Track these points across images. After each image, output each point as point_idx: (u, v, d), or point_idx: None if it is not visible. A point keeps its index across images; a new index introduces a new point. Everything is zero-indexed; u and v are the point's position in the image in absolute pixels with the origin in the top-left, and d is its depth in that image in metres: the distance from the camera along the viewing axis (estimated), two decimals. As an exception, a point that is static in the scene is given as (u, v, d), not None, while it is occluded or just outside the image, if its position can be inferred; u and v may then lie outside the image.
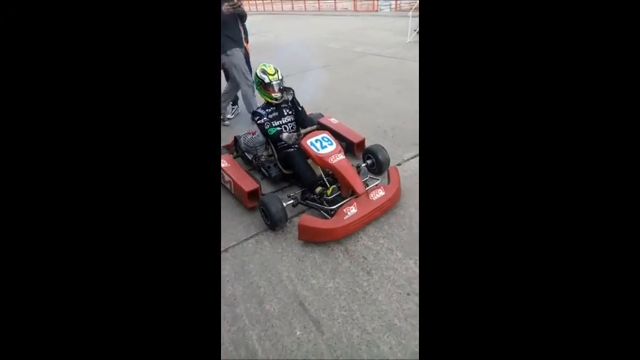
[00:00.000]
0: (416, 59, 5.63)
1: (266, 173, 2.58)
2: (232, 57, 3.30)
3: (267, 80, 2.47)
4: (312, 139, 2.23)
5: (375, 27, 8.77)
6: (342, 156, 2.15)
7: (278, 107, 2.56)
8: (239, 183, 2.26)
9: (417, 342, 1.39)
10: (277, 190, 2.47)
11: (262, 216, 2.12)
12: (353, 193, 2.10)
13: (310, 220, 1.91)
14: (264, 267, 1.84)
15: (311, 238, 1.94)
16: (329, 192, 2.14)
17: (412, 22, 6.87)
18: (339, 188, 2.16)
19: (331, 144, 2.21)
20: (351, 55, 5.17)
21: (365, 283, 1.68)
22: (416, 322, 1.47)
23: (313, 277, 1.75)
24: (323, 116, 3.12)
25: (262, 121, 2.49)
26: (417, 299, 1.57)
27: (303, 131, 2.40)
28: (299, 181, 2.38)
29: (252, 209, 2.26)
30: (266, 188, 2.44)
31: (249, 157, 2.73)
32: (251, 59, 3.75)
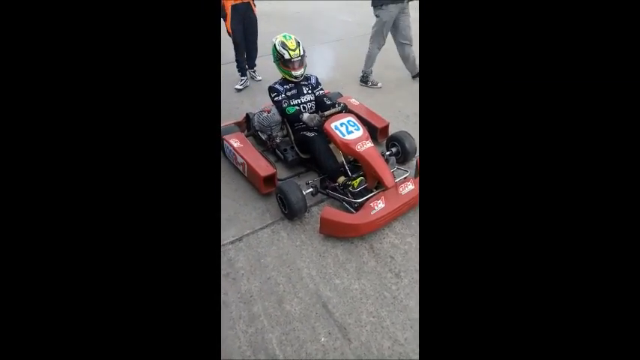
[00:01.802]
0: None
1: (281, 156, 2.34)
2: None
3: (287, 56, 2.19)
4: (337, 123, 1.99)
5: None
6: (370, 143, 1.93)
7: (297, 85, 2.31)
8: (254, 166, 2.03)
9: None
10: (293, 176, 2.24)
11: (279, 204, 1.93)
12: (379, 186, 1.90)
13: (334, 213, 1.73)
14: (282, 261, 1.68)
15: (333, 233, 1.77)
16: (356, 184, 1.92)
17: None
18: (365, 179, 1.95)
19: (358, 129, 1.98)
20: (367, 30, 4.82)
21: (394, 287, 1.55)
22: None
23: (336, 277, 1.60)
24: (342, 96, 2.84)
25: (279, 98, 2.25)
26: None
27: (326, 113, 2.13)
28: (319, 167, 2.14)
29: (266, 195, 2.06)
30: (280, 173, 2.20)
31: (263, 137, 2.44)
32: (260, 29, 3.41)
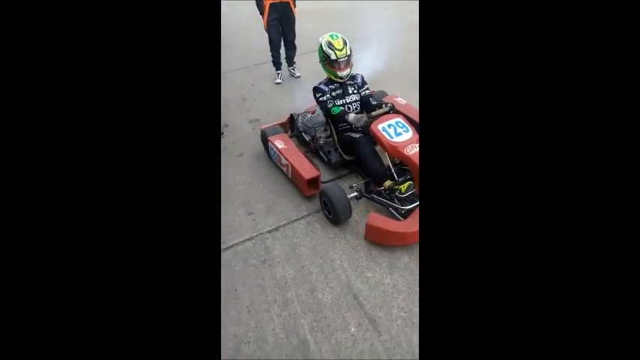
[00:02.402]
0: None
1: (325, 158, 2.28)
2: None
3: (333, 56, 2.13)
4: (385, 124, 1.91)
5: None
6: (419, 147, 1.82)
7: (342, 85, 2.26)
8: (297, 168, 2.00)
9: None
10: (336, 178, 2.19)
11: (322, 208, 1.91)
12: None
13: (381, 220, 1.66)
14: (316, 252, 1.74)
15: (379, 240, 1.71)
16: (404, 188, 1.79)
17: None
18: (413, 184, 1.83)
19: (407, 131, 1.89)
20: (407, 25, 4.68)
21: (427, 285, 1.53)
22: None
23: (368, 270, 1.62)
24: (387, 95, 2.74)
25: (324, 98, 2.22)
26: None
27: (374, 114, 2.04)
28: (364, 170, 2.07)
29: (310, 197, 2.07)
30: (323, 175, 2.16)
31: (307, 138, 2.38)
32: (299, 27, 3.48)
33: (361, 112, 2.25)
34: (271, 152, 2.31)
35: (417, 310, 1.43)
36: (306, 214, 1.98)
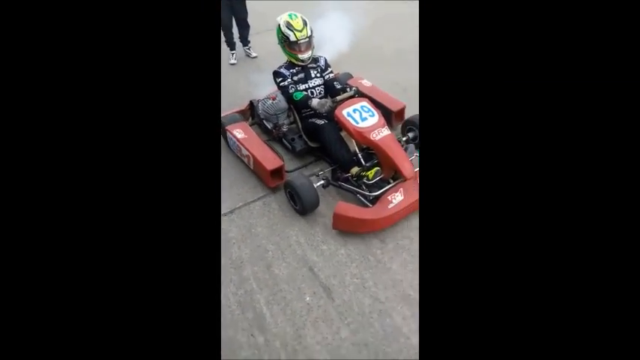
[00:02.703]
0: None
1: (289, 146, 2.20)
2: None
3: (292, 38, 2.00)
4: (349, 109, 1.83)
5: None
6: (386, 131, 1.79)
7: (304, 68, 2.14)
8: (259, 159, 1.91)
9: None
10: (302, 167, 2.13)
11: (288, 199, 1.84)
12: (397, 176, 1.78)
13: (349, 208, 1.61)
14: (273, 230, 1.76)
15: (348, 229, 1.67)
16: (371, 175, 1.76)
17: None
18: (381, 170, 1.80)
19: (372, 115, 1.83)
20: (368, 2, 4.64)
21: (378, 252, 1.60)
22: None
23: (324, 243, 1.67)
24: (352, 77, 2.66)
25: (286, 83, 2.09)
26: (433, 269, 1.49)
27: (338, 99, 1.96)
28: (330, 157, 2.00)
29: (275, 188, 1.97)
30: (288, 163, 2.10)
31: (269, 125, 2.29)
32: (252, 4, 3.35)
33: (325, 96, 2.18)
34: (230, 143, 2.19)
35: (368, 275, 1.50)
36: (262, 195, 1.98)
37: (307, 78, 2.16)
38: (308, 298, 1.44)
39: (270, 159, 1.92)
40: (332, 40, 3.46)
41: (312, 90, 2.17)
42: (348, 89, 2.08)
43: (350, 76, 2.66)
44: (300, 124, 2.18)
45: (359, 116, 1.82)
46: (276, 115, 2.21)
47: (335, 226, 1.67)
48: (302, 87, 2.14)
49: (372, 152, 1.89)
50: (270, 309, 1.41)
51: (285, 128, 2.24)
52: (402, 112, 2.34)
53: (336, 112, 1.86)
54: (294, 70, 2.14)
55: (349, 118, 1.81)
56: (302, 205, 1.73)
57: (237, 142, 2.07)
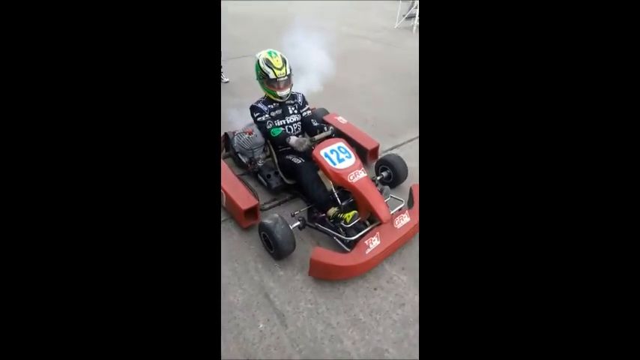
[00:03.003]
0: (403, 46, 5.52)
1: (264, 182, 2.16)
2: None
3: (272, 75, 2.03)
4: (327, 149, 1.84)
5: (364, 8, 8.49)
6: (363, 173, 1.80)
7: (282, 104, 2.16)
8: (233, 197, 1.84)
9: (379, 337, 1.40)
10: (277, 204, 2.09)
11: (263, 242, 1.77)
12: (373, 218, 1.78)
13: (326, 255, 1.58)
14: (231, 256, 1.77)
15: (325, 276, 1.63)
16: (348, 218, 1.72)
17: (401, 7, 6.70)
18: (358, 213, 1.76)
19: (349, 156, 1.85)
20: (337, 36, 4.98)
21: (333, 277, 1.66)
22: (380, 317, 1.48)
23: (281, 269, 1.71)
24: (328, 113, 2.72)
25: (263, 118, 2.09)
26: (383, 294, 1.58)
27: (316, 138, 1.97)
28: (307, 197, 1.98)
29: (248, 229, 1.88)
30: (262, 198, 2.07)
31: (244, 159, 2.25)
32: (227, 33, 3.49)
33: (302, 133, 2.22)
34: None
35: (322, 300, 1.55)
36: (223, 219, 1.99)
37: (285, 114, 2.17)
38: (261, 326, 1.45)
39: (244, 197, 1.85)
40: (301, 72, 3.64)
41: (290, 127, 2.19)
42: (325, 128, 2.09)
43: (326, 112, 2.73)
44: (276, 159, 2.16)
45: (336, 157, 1.82)
46: (252, 149, 2.20)
47: (311, 273, 1.62)
48: (279, 123, 2.14)
49: (347, 191, 1.88)
50: (224, 337, 1.40)
51: (260, 163, 2.19)
52: (375, 150, 2.41)
53: (314, 152, 1.86)
54: (272, 106, 2.15)
55: (327, 159, 1.81)
56: (278, 251, 1.66)
57: None
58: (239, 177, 2.06)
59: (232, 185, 1.93)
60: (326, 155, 1.83)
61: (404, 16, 6.60)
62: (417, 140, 2.88)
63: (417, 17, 6.34)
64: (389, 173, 2.19)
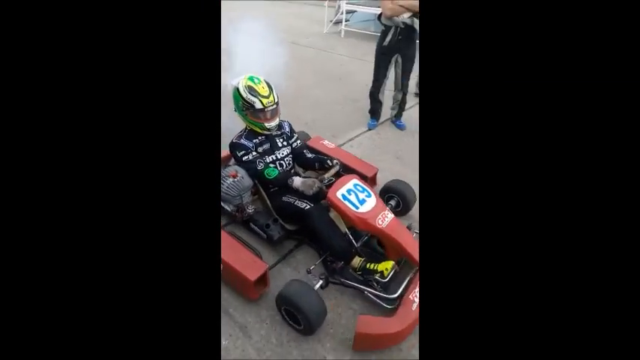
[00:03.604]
0: (334, 51, 5.77)
1: (262, 234, 1.71)
2: None
3: (258, 105, 1.70)
4: (343, 191, 1.55)
5: (293, 14, 8.65)
6: (390, 214, 1.55)
7: (269, 137, 1.83)
8: (236, 267, 1.42)
9: (343, 330, 1.47)
10: (281, 259, 1.71)
11: (285, 318, 1.42)
12: (401, 261, 1.55)
13: (374, 324, 1.30)
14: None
15: (372, 347, 1.36)
16: (386, 272, 1.44)
17: (328, 13, 6.98)
18: (397, 262, 1.50)
19: (369, 195, 1.58)
20: (271, 42, 4.99)
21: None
22: (341, 309, 1.55)
23: (238, 281, 1.67)
24: (309, 137, 2.36)
25: (250, 157, 1.75)
26: (342, 288, 1.64)
27: (326, 177, 1.69)
28: (320, 245, 1.64)
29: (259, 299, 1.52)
30: (264, 255, 1.67)
31: (229, 208, 1.83)
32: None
33: (293, 167, 1.90)
34: None
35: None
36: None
37: (274, 148, 1.84)
38: (225, 342, 1.41)
39: (248, 262, 1.45)
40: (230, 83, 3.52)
41: (281, 162, 1.86)
42: (329, 162, 1.80)
43: (307, 137, 2.38)
44: (269, 202, 1.79)
45: (355, 198, 1.54)
46: (240, 195, 1.78)
47: (357, 347, 1.33)
48: (269, 159, 1.81)
49: (358, 231, 1.62)
50: (184, 362, 1.33)
51: (250, 210, 1.78)
52: (374, 176, 2.15)
53: (330, 195, 1.55)
54: (258, 140, 1.80)
55: (347, 203, 1.52)
56: (310, 327, 1.33)
57: None
58: (230, 233, 1.67)
59: (231, 249, 1.47)
60: (344, 198, 1.53)
61: (331, 21, 6.89)
62: (357, 138, 3.07)
63: (344, 23, 6.69)
64: (397, 201, 1.94)
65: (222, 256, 1.43)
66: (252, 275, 1.41)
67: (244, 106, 1.77)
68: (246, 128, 1.85)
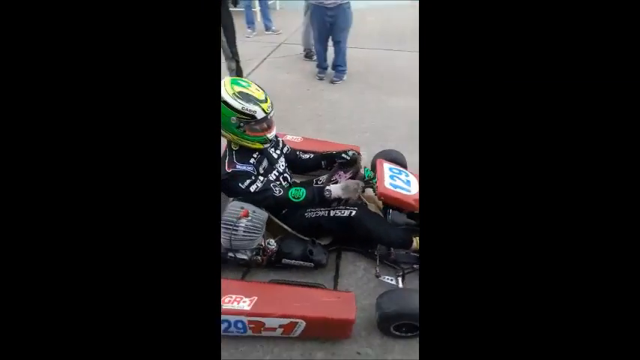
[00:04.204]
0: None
1: (309, 264, 1.43)
2: None
3: (261, 114, 1.32)
4: (388, 179, 1.46)
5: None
6: None
7: (263, 152, 1.46)
8: (323, 314, 1.16)
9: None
10: (336, 278, 1.46)
11: (395, 334, 1.22)
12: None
13: None
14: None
15: None
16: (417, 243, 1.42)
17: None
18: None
19: (406, 174, 1.54)
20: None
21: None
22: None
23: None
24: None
25: (260, 185, 1.36)
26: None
27: (359, 172, 1.56)
28: (382, 244, 1.49)
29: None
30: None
31: (246, 255, 1.38)
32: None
33: (284, 172, 1.58)
34: (228, 327, 1.18)
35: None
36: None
37: (272, 163, 1.50)
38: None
39: (334, 303, 1.19)
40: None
41: (284, 175, 1.54)
42: (344, 154, 1.60)
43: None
44: (286, 227, 1.46)
45: (401, 182, 1.46)
46: (259, 234, 1.35)
47: None
48: (272, 178, 1.47)
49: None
50: None
51: (273, 245, 1.40)
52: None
53: (382, 190, 1.42)
54: (254, 160, 1.41)
55: (399, 190, 1.42)
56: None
57: (249, 319, 1.15)
58: (275, 281, 1.37)
59: (290, 299, 1.21)
60: (394, 187, 1.43)
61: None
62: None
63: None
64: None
65: (294, 312, 1.14)
66: (350, 313, 1.16)
67: (241, 121, 1.33)
68: (231, 150, 1.41)
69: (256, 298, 1.16)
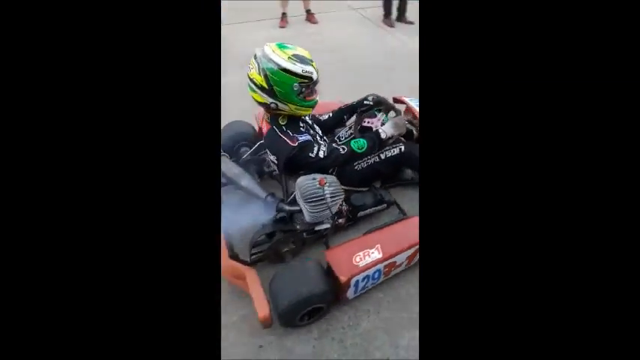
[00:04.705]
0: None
1: (382, 206, 1.51)
2: None
3: (315, 75, 1.25)
4: (409, 101, 1.70)
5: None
6: None
7: (303, 118, 1.43)
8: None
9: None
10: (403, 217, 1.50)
11: None
12: None
13: None
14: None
15: None
16: None
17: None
18: None
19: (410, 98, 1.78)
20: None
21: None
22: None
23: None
24: (256, 130, 1.94)
25: (325, 149, 1.33)
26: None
27: (382, 108, 1.60)
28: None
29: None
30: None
31: (328, 224, 1.36)
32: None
33: (326, 133, 1.61)
34: (367, 282, 1.24)
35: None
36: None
37: (314, 129, 1.48)
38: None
39: (416, 224, 1.29)
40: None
41: (323, 138, 1.54)
42: (365, 101, 1.58)
43: (252, 129, 1.97)
44: (347, 181, 1.46)
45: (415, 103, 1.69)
46: (340, 196, 1.30)
47: None
48: (321, 141, 1.45)
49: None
50: None
51: (344, 205, 1.40)
52: None
53: (410, 109, 1.68)
54: (303, 128, 1.37)
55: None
56: None
57: (385, 262, 1.24)
58: (368, 233, 1.35)
59: (392, 232, 1.30)
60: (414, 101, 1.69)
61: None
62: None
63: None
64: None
65: (414, 240, 1.23)
66: None
67: (302, 86, 1.23)
68: (280, 125, 1.33)
69: (378, 245, 1.23)
